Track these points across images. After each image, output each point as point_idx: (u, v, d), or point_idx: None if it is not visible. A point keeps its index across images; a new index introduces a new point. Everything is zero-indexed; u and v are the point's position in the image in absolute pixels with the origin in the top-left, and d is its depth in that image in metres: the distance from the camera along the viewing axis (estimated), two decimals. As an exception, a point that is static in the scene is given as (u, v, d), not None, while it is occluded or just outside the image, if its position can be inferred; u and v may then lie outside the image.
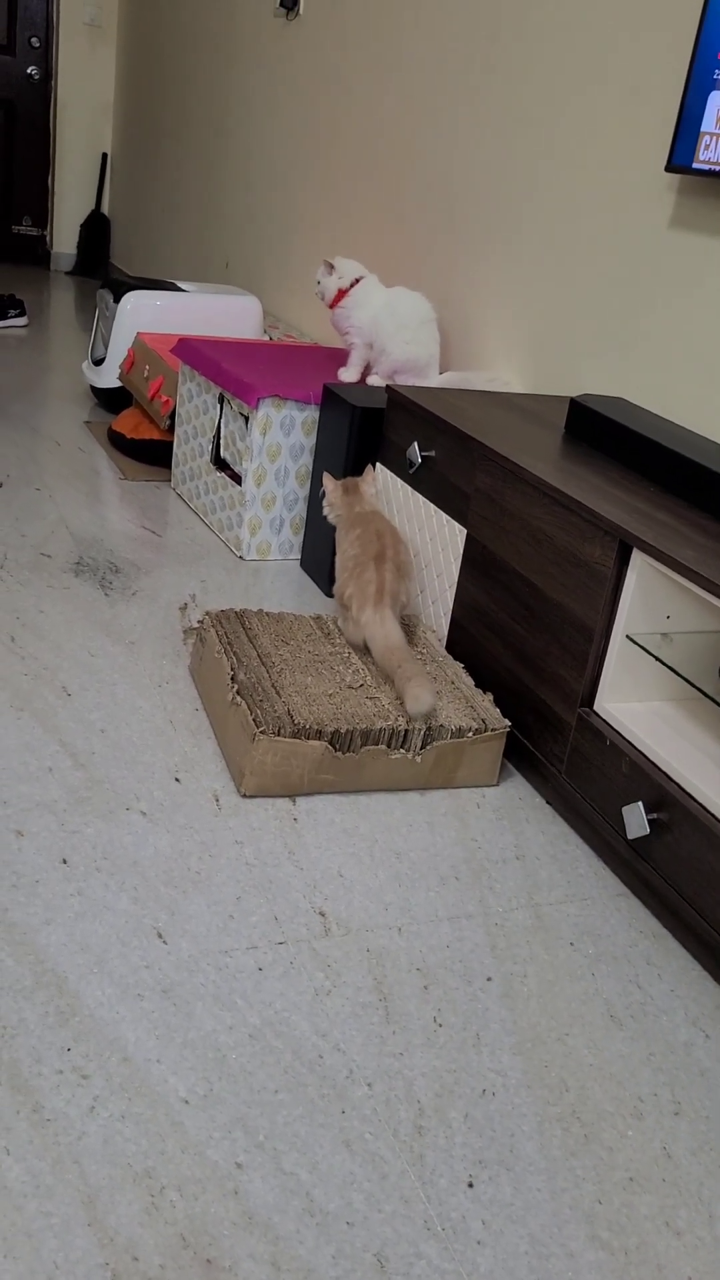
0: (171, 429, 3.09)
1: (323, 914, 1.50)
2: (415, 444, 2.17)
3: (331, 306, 2.78)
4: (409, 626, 2.06)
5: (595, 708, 1.71)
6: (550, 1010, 1.40)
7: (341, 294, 2.74)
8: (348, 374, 2.76)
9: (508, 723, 1.83)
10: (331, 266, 2.75)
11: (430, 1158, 1.17)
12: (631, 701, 1.71)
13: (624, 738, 1.64)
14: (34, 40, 5.80)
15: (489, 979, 1.44)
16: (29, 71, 5.85)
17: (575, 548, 1.71)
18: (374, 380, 2.73)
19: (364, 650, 1.98)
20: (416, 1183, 1.14)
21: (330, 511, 2.20)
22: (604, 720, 1.68)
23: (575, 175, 2.44)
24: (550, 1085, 1.29)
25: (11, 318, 4.68)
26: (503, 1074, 1.29)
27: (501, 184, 2.71)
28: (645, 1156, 1.22)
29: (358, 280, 2.74)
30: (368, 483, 2.20)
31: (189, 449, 2.93)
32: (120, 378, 3.38)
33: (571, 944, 1.53)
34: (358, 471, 2.42)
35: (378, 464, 2.36)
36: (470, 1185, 1.15)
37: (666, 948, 1.55)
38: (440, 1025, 1.35)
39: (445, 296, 2.95)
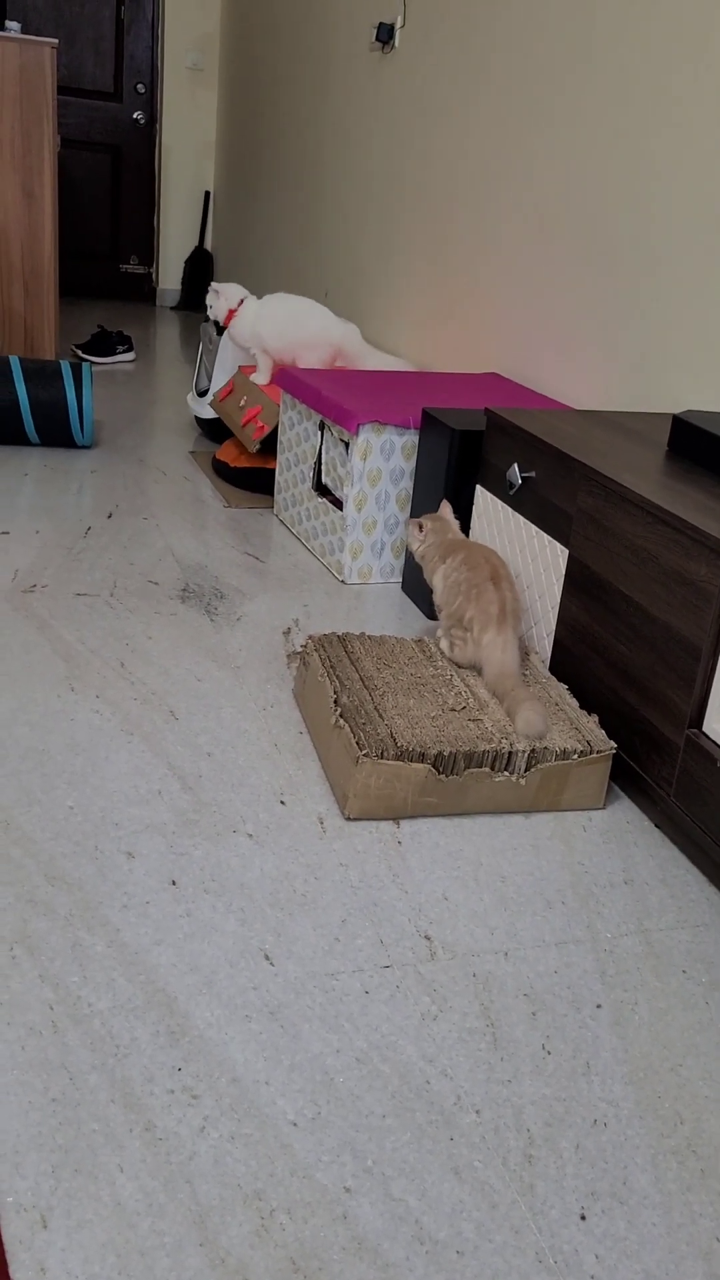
0: (263, 453, 3.16)
1: (428, 938, 1.50)
2: (515, 465, 2.16)
3: (224, 325, 3.27)
4: (523, 648, 2.05)
5: (704, 729, 1.67)
6: (663, 1039, 1.37)
7: (231, 314, 3.27)
8: (257, 378, 3.26)
9: (613, 744, 1.80)
10: (216, 292, 3.24)
11: (541, 1188, 1.15)
12: (743, 722, 1.67)
13: (735, 760, 1.60)
14: (139, 87, 6.00)
15: (598, 1006, 1.41)
16: (135, 116, 6.05)
17: (681, 566, 1.68)
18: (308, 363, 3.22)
19: (471, 669, 1.98)
20: (527, 1213, 1.12)
21: (420, 545, 2.21)
22: (714, 742, 1.64)
23: (671, 190, 2.41)
24: (664, 1117, 1.26)
25: (120, 353, 4.83)
26: (614, 1104, 1.27)
27: (593, 202, 2.69)
28: (766, 1194, 1.18)
29: (241, 301, 3.26)
30: (447, 511, 2.23)
31: (291, 476, 2.98)
32: (213, 404, 3.45)
33: (684, 971, 1.49)
34: (458, 494, 2.42)
35: (477, 486, 2.36)
36: (583, 1218, 1.13)
37: (784, 977, 1.50)
38: (549, 1053, 1.33)
39: (539, 313, 2.94)
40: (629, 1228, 1.12)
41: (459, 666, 1.99)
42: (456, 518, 2.34)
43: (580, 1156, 1.20)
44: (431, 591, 2.17)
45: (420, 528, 2.23)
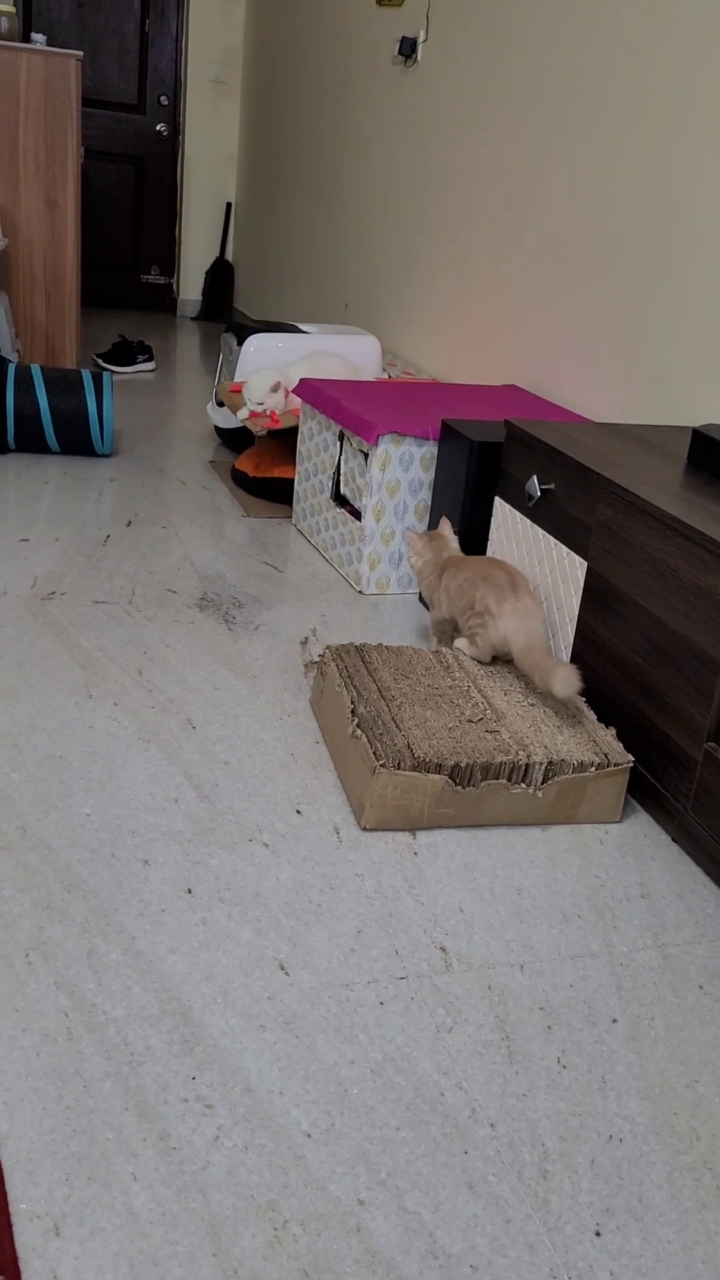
0: (281, 464, 3.16)
1: (443, 949, 1.49)
2: (534, 477, 2.16)
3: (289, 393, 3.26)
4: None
5: (723, 743, 1.66)
6: (679, 1055, 1.36)
7: (286, 392, 3.24)
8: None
9: (631, 758, 1.80)
10: (277, 388, 3.19)
11: (556, 1203, 1.15)
12: (762, 737, 1.66)
13: (754, 774, 1.59)
14: (162, 99, 6.04)
15: (614, 1021, 1.40)
16: (158, 128, 6.10)
17: (700, 580, 1.67)
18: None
19: (492, 660, 1.98)
20: (541, 1229, 1.12)
21: (418, 559, 2.23)
22: (733, 756, 1.63)
23: (692, 203, 2.41)
24: (680, 1133, 1.25)
25: (140, 363, 4.85)
26: (630, 1120, 1.26)
27: (613, 215, 2.69)
28: (782, 1213, 1.17)
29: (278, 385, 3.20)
30: (447, 528, 2.24)
31: (309, 486, 2.98)
32: (221, 393, 3.45)
33: (701, 987, 1.48)
34: (476, 506, 2.42)
35: (496, 498, 2.36)
36: (598, 1234, 1.12)
37: None
38: (564, 1067, 1.32)
39: (559, 326, 2.94)
40: (644, 1245, 1.11)
41: (484, 664, 2.00)
42: (477, 529, 2.34)
43: (595, 1172, 1.19)
44: (428, 607, 2.19)
45: (419, 542, 2.25)
